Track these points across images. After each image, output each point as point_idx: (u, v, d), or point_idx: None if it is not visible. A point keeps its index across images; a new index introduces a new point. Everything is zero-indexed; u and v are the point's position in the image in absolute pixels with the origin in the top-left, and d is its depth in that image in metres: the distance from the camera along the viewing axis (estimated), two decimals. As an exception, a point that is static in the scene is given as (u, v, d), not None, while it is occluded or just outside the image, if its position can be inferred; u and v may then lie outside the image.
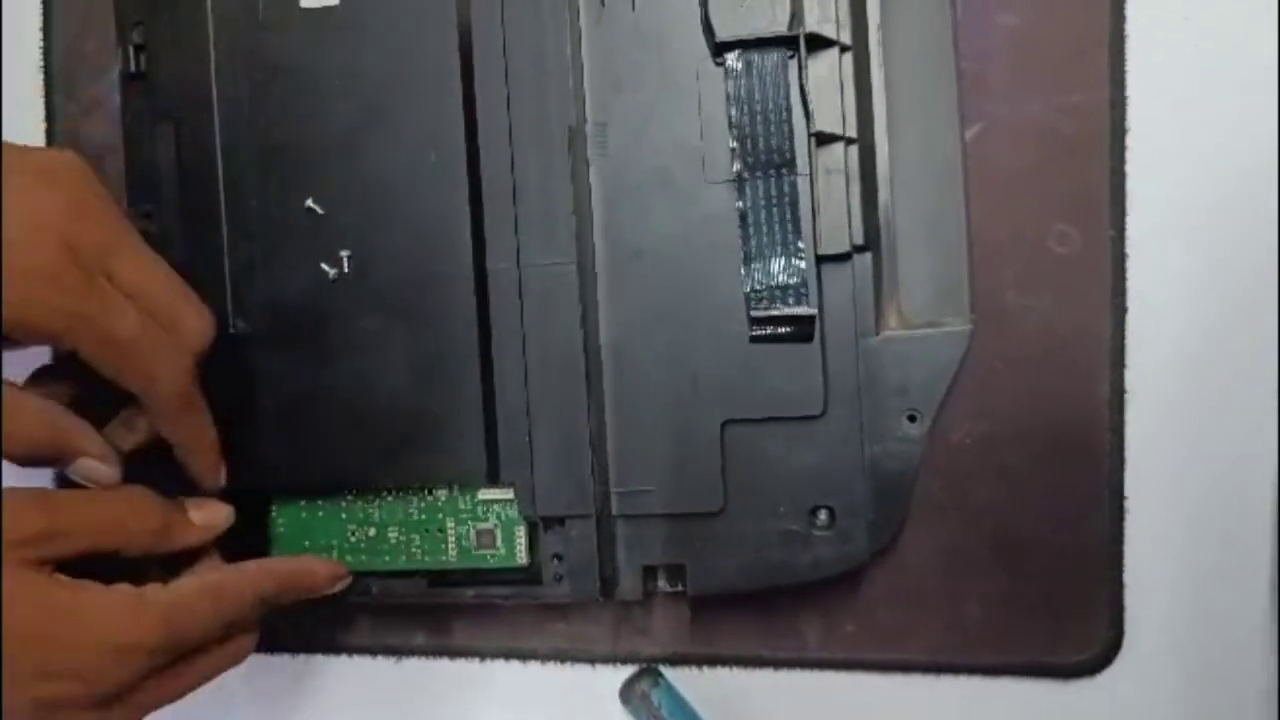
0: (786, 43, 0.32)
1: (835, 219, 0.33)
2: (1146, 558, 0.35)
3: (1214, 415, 0.34)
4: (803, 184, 0.33)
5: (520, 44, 0.34)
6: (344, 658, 0.40)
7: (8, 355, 0.32)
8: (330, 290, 0.35)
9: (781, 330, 0.33)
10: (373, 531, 0.36)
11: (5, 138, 0.30)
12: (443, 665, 0.39)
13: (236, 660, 0.33)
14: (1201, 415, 0.34)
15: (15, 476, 0.31)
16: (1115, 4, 0.34)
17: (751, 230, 0.33)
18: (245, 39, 0.35)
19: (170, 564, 0.33)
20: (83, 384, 0.32)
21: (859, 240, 0.33)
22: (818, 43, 0.32)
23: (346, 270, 0.34)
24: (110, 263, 0.30)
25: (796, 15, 0.32)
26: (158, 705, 0.31)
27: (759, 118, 0.33)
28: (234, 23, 0.35)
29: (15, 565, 0.28)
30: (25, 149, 0.31)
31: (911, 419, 0.34)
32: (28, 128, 0.41)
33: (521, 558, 0.35)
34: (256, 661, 0.41)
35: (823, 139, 0.32)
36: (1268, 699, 0.34)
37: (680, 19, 0.33)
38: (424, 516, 0.36)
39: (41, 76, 0.41)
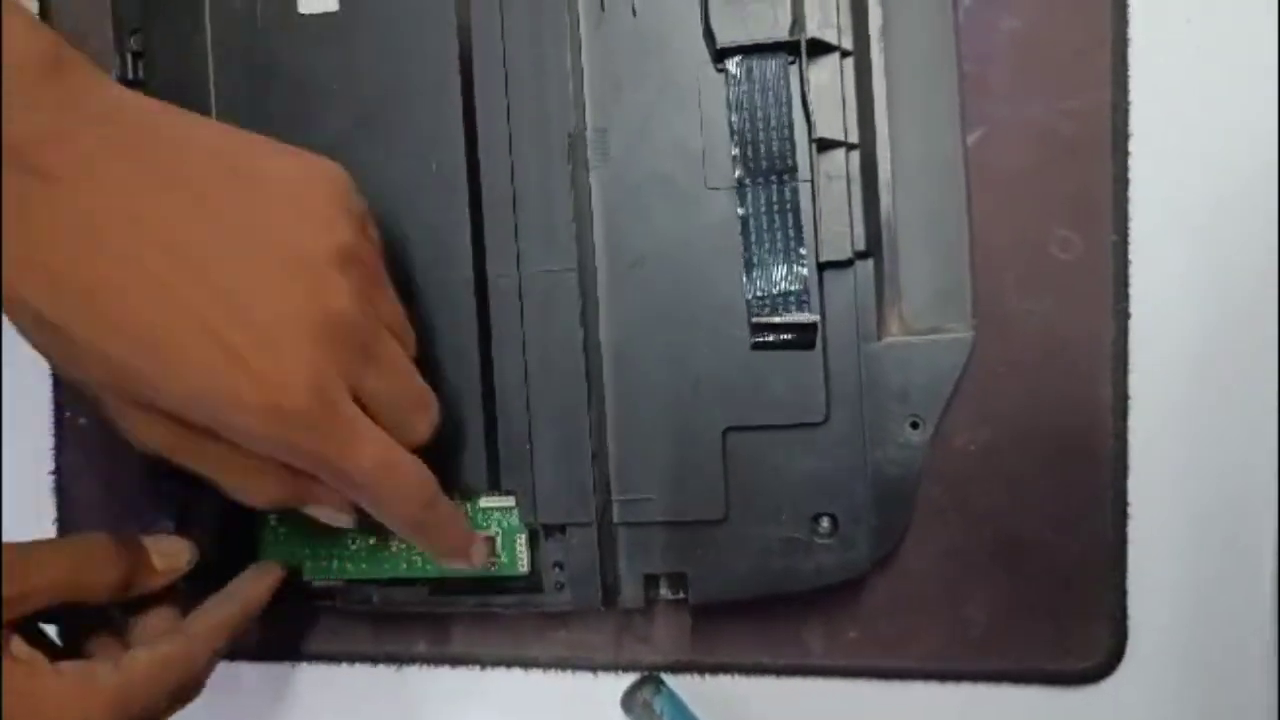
0: (787, 48, 0.32)
1: (837, 225, 0.32)
2: (1149, 563, 0.34)
3: (1217, 420, 0.34)
4: (804, 190, 0.32)
5: (520, 50, 0.34)
6: (345, 666, 0.40)
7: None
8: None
9: (783, 337, 0.33)
10: (373, 540, 0.36)
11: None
12: (444, 673, 0.39)
13: (182, 707, 0.33)
14: (1204, 420, 0.34)
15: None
16: (1117, 7, 0.34)
17: (753, 237, 0.33)
18: (243, 46, 0.35)
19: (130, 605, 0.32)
20: None
21: (860, 246, 0.33)
22: (819, 48, 0.32)
23: (346, 277, 0.34)
24: (362, 377, 0.29)
25: (797, 20, 0.32)
26: None
27: (760, 123, 0.33)
28: (232, 29, 0.35)
29: None
30: (274, 150, 0.29)
31: (914, 425, 0.34)
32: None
33: (523, 566, 0.35)
34: (257, 670, 0.41)
35: (824, 145, 0.32)
36: (1271, 706, 0.34)
37: (681, 24, 0.33)
38: (425, 524, 0.36)
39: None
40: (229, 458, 0.29)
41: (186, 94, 0.35)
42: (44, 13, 0.41)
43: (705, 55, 0.33)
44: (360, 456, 0.28)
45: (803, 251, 0.32)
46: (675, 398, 0.34)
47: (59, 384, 0.42)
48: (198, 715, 0.41)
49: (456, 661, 0.39)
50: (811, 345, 0.33)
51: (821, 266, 0.33)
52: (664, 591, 0.35)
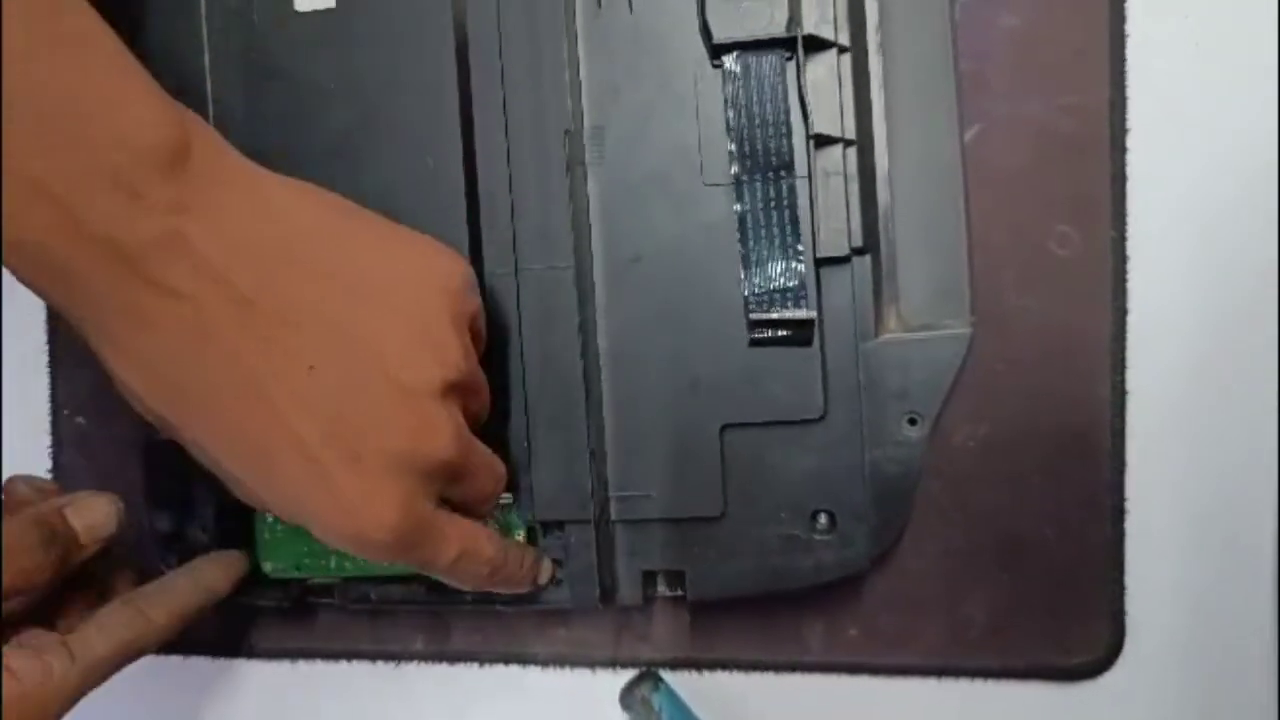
0: (784, 44, 0.32)
1: (834, 222, 0.32)
2: (1148, 559, 0.34)
3: (1215, 416, 0.34)
4: (801, 187, 0.32)
5: (516, 47, 0.33)
6: (343, 663, 0.40)
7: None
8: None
9: (781, 334, 0.33)
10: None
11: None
12: (442, 670, 0.39)
13: None
14: (1203, 417, 0.34)
15: None
16: (1115, 3, 0.34)
17: (750, 233, 0.33)
18: (239, 43, 0.35)
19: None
20: None
21: (858, 243, 0.33)
22: (816, 44, 0.32)
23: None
24: (450, 490, 0.29)
25: (794, 17, 0.32)
26: None
27: (757, 120, 0.33)
28: (228, 27, 0.35)
29: None
30: (390, 247, 0.29)
31: (912, 422, 0.34)
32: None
33: (521, 563, 0.35)
34: (256, 667, 0.41)
35: (821, 141, 0.32)
36: (1269, 702, 0.34)
37: (677, 21, 0.33)
38: (423, 522, 0.36)
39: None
40: None
41: (183, 93, 0.35)
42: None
43: (702, 52, 0.33)
44: (443, 557, 0.29)
45: (800, 248, 0.32)
46: (673, 395, 0.34)
47: (56, 383, 0.42)
48: (194, 715, 0.41)
49: (455, 659, 0.39)
50: (809, 342, 0.33)
51: (819, 263, 0.33)
52: (662, 589, 0.36)
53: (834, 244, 0.32)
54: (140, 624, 0.31)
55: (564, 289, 0.33)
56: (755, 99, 0.33)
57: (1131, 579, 0.34)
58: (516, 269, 0.34)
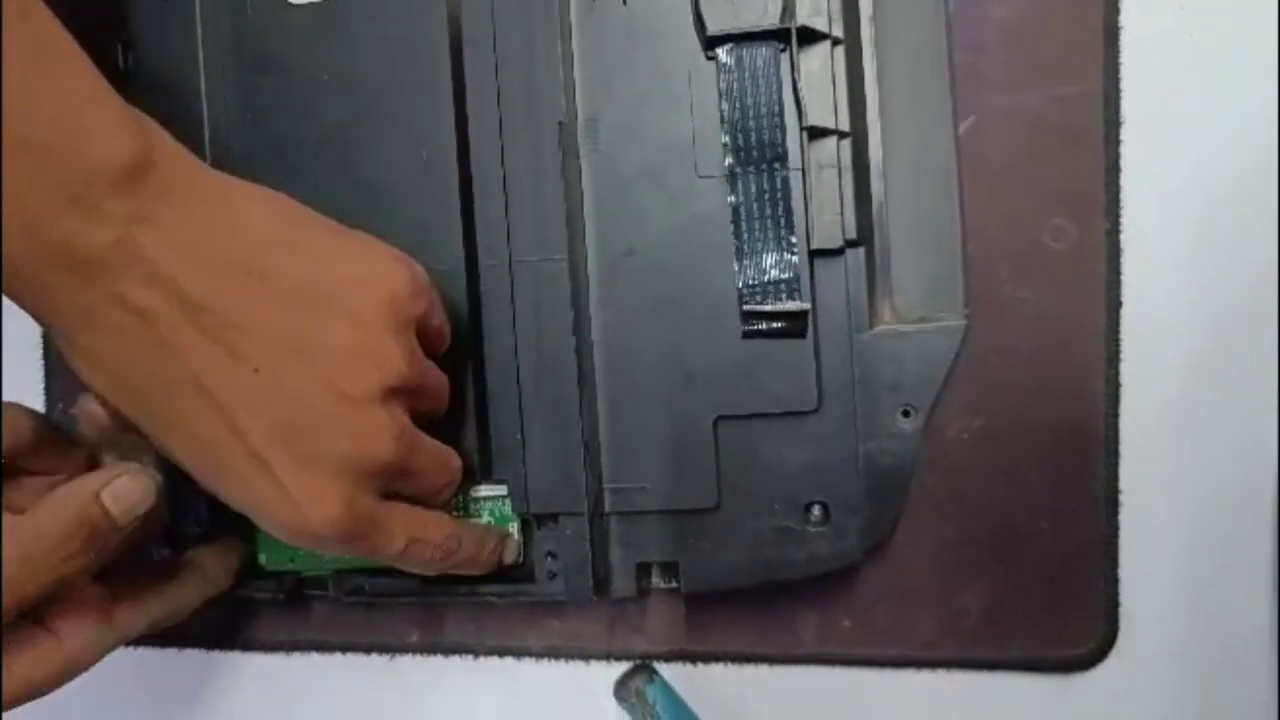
0: (778, 36, 0.32)
1: (828, 213, 0.32)
2: (1141, 551, 0.34)
3: (1209, 409, 0.34)
4: (795, 178, 0.32)
5: (510, 39, 0.33)
6: (337, 655, 0.40)
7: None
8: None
9: (774, 325, 0.33)
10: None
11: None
12: (436, 663, 0.39)
13: None
14: (1197, 409, 0.34)
15: None
16: (1109, -6, 0.34)
17: (744, 225, 0.33)
18: (233, 36, 0.35)
19: None
20: None
21: (852, 235, 0.33)
22: (809, 36, 0.32)
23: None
24: (395, 486, 0.30)
25: (788, 9, 0.32)
26: None
27: (751, 112, 0.32)
28: (222, 19, 0.35)
29: None
30: (339, 252, 0.30)
31: (906, 414, 0.34)
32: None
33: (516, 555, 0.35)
34: (250, 660, 0.41)
35: (815, 133, 0.32)
36: (1268, 695, 0.34)
37: (671, 13, 0.33)
38: (417, 514, 0.36)
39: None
40: None
41: (176, 85, 0.35)
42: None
43: (696, 44, 0.33)
44: (389, 547, 0.30)
45: (794, 240, 0.32)
46: (667, 386, 0.34)
47: (51, 377, 0.42)
48: (190, 707, 0.42)
49: (449, 651, 0.39)
50: (803, 333, 0.33)
51: (812, 254, 0.33)
52: (656, 580, 0.36)
53: (828, 236, 0.32)
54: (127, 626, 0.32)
55: (558, 281, 0.33)
56: (749, 91, 0.33)
57: (1125, 571, 0.35)
58: (510, 261, 0.34)
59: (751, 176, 0.33)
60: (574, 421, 0.34)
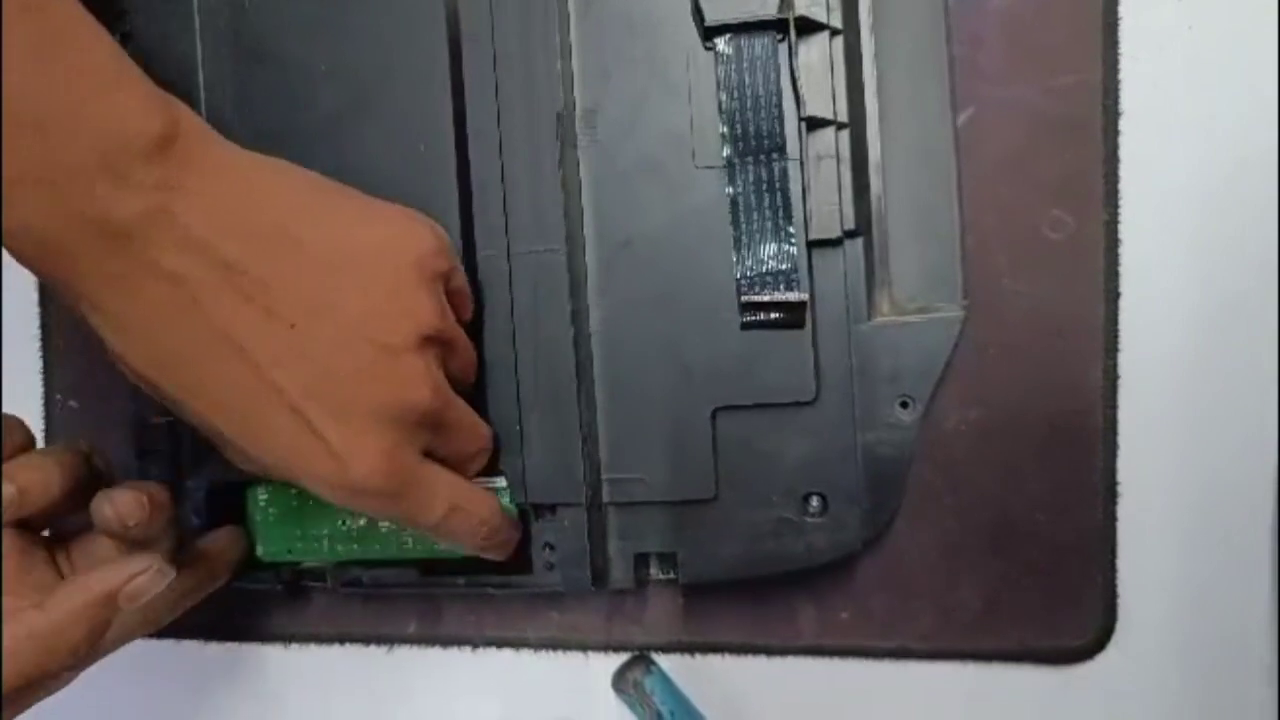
0: (776, 26, 0.32)
1: (826, 204, 0.32)
2: (1139, 543, 0.34)
3: (1207, 401, 0.34)
4: (793, 169, 0.32)
5: (509, 29, 0.33)
6: (336, 647, 0.40)
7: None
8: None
9: (772, 316, 0.33)
10: (364, 521, 0.36)
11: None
12: (435, 654, 0.39)
13: None
14: (1195, 401, 0.34)
15: None
16: (1108, -15, 0.34)
17: (742, 216, 0.33)
18: (231, 25, 0.35)
19: None
20: None
21: (850, 226, 0.32)
22: (808, 26, 0.32)
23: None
24: (433, 442, 0.31)
25: (786, -1, 0.32)
26: None
27: (749, 103, 0.32)
28: (220, 9, 0.35)
29: None
30: (362, 216, 0.30)
31: (904, 405, 0.34)
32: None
33: (513, 546, 0.35)
34: (249, 651, 0.41)
35: (813, 124, 0.32)
36: (1260, 684, 0.34)
37: (670, 4, 0.33)
38: (415, 505, 0.36)
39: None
40: None
41: (173, 75, 0.35)
42: None
43: (694, 34, 0.33)
44: (432, 511, 0.30)
45: (792, 230, 0.32)
46: (665, 377, 0.34)
47: (49, 369, 0.42)
48: (189, 698, 0.42)
49: (447, 642, 0.39)
50: (801, 324, 0.33)
51: (811, 245, 0.33)
52: (654, 572, 0.36)
53: (826, 227, 0.32)
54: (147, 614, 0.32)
55: (556, 272, 0.33)
56: (747, 81, 0.32)
57: (1123, 563, 0.35)
58: (509, 252, 0.34)
59: (750, 167, 0.33)
60: (572, 412, 0.34)
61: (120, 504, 0.30)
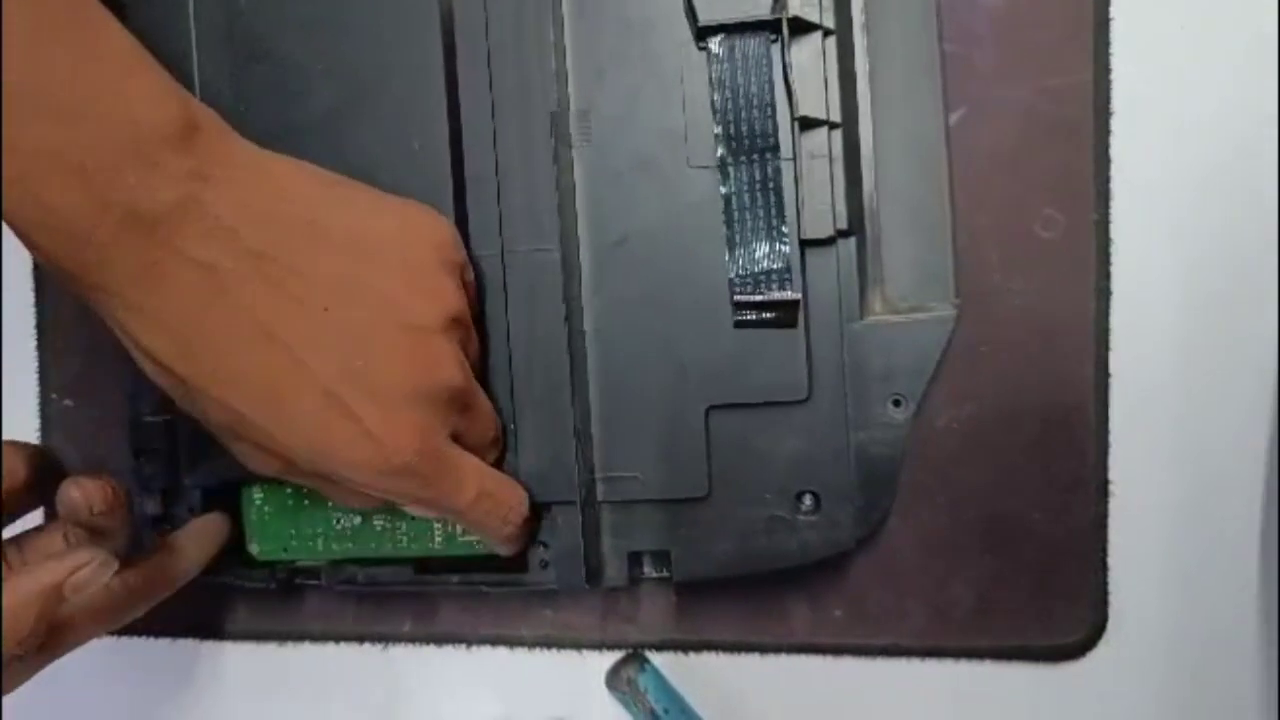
0: (769, 27, 0.32)
1: (819, 204, 0.32)
2: (1131, 541, 0.35)
3: (1198, 398, 0.34)
4: (786, 169, 0.32)
5: (503, 28, 0.33)
6: (330, 645, 0.40)
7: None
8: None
9: (766, 315, 0.33)
10: (358, 519, 0.36)
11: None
12: (429, 652, 0.39)
13: None
14: (1186, 398, 0.34)
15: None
16: (1100, -15, 0.34)
17: (735, 215, 0.33)
18: (225, 23, 0.35)
19: None
20: None
21: (843, 225, 0.33)
22: (801, 26, 0.32)
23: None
24: (460, 425, 0.31)
25: (779, -1, 0.32)
26: None
27: (742, 102, 0.33)
28: (215, 7, 0.35)
29: None
30: (375, 208, 0.31)
31: (897, 404, 0.34)
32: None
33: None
34: (244, 649, 0.41)
35: (806, 124, 0.32)
36: (1251, 680, 0.34)
37: (663, 3, 0.33)
38: (410, 504, 0.36)
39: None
40: (336, 487, 0.31)
41: (169, 72, 0.35)
42: None
43: (687, 34, 0.33)
44: (463, 495, 0.31)
45: (785, 230, 0.32)
46: (658, 376, 0.34)
47: (44, 368, 0.42)
48: (183, 698, 0.42)
49: (442, 641, 0.39)
50: (794, 323, 0.33)
51: (804, 244, 0.33)
52: (648, 570, 0.36)
53: (819, 226, 0.33)
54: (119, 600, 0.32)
55: (550, 271, 0.33)
56: (740, 81, 0.33)
57: (1115, 560, 0.35)
58: (502, 251, 0.34)
59: (743, 166, 0.33)
60: (566, 411, 0.34)
61: (88, 488, 0.30)
